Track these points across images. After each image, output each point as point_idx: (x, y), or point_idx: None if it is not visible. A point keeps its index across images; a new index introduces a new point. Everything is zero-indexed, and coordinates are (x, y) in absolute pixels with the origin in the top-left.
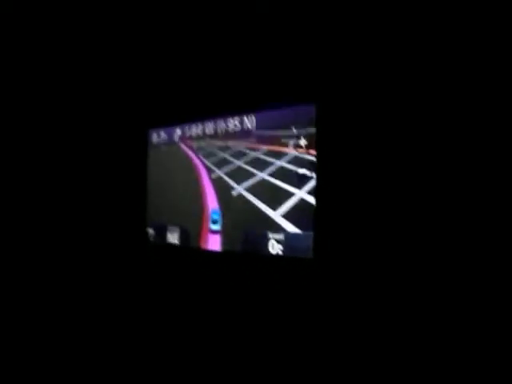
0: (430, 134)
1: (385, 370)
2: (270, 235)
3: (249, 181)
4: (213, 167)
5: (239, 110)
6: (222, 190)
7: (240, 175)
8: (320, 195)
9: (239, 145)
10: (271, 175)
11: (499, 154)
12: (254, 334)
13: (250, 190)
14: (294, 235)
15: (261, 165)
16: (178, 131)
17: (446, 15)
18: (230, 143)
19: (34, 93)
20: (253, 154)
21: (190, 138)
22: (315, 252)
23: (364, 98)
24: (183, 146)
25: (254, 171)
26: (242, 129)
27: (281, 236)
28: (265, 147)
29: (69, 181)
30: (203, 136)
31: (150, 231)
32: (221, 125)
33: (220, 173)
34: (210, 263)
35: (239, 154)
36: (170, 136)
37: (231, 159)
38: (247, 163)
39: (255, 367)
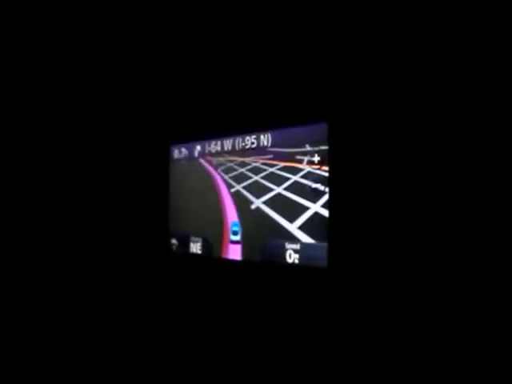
0: (439, 145)
1: (396, 376)
2: (288, 245)
3: (266, 195)
4: (232, 182)
5: (256, 128)
6: (241, 203)
7: (258, 189)
8: (333, 208)
9: (256, 161)
10: (287, 189)
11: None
12: (272, 337)
13: (267, 203)
14: (310, 245)
15: (277, 179)
16: (198, 147)
17: (462, 32)
18: (248, 159)
19: (63, 111)
20: (269, 170)
21: (210, 153)
22: (329, 261)
23: (373, 117)
24: (203, 162)
25: (271, 186)
26: (259, 146)
27: (297, 246)
28: (281, 163)
29: (97, 195)
30: (221, 152)
31: (174, 241)
32: (238, 142)
33: (239, 187)
34: (231, 271)
35: (256, 170)
36: (191, 152)
37: (249, 174)
38: (264, 178)
39: (275, 368)
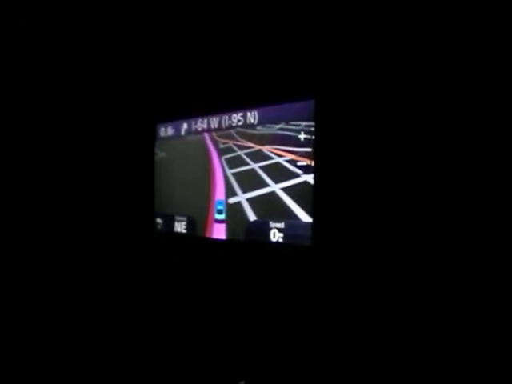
0: (428, 129)
1: (381, 359)
2: (272, 224)
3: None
4: (224, 160)
5: (243, 106)
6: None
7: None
8: (318, 186)
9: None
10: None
11: (499, 154)
12: (255, 318)
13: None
14: (294, 224)
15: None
16: (185, 125)
17: (445, 12)
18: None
19: (46, 91)
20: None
21: (196, 131)
22: (313, 240)
23: (364, 94)
24: (189, 139)
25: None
26: (245, 123)
27: (282, 225)
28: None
29: (83, 175)
30: (208, 129)
31: (159, 221)
32: (225, 119)
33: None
34: (215, 250)
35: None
36: (177, 130)
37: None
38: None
39: (258, 347)
